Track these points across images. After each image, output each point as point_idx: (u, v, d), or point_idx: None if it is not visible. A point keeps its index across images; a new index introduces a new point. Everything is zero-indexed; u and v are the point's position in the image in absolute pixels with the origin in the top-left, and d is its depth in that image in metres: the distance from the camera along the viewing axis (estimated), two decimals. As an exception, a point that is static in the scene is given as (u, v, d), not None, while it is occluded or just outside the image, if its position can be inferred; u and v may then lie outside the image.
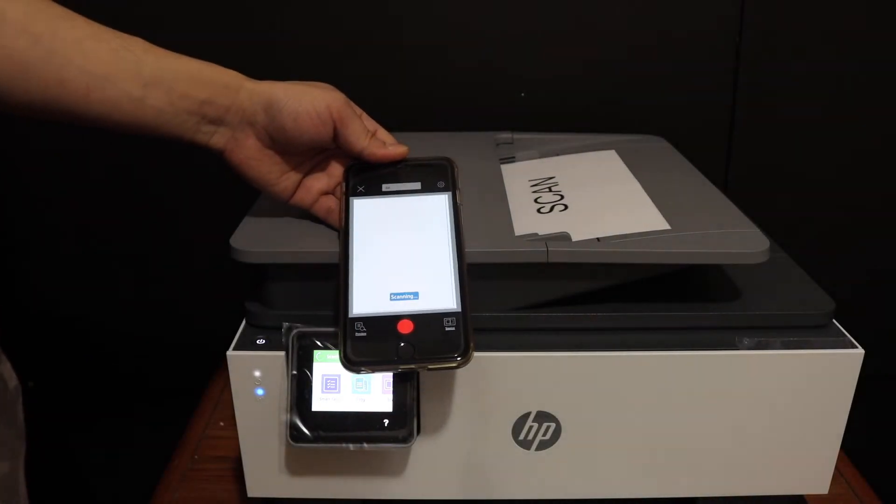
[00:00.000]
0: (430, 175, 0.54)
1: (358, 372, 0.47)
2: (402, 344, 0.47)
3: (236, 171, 0.52)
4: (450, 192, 0.53)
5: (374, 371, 0.48)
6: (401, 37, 0.85)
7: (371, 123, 0.55)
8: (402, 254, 0.50)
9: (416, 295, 0.49)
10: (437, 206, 0.52)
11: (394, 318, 0.48)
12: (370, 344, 0.47)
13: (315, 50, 0.85)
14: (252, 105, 0.49)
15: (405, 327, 0.47)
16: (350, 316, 0.48)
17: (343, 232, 0.51)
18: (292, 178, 0.53)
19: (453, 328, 0.47)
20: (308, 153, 0.53)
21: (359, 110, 0.54)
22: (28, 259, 0.97)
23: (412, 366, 0.47)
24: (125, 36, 0.47)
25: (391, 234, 0.51)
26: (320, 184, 0.54)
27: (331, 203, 0.54)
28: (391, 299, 0.48)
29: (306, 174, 0.54)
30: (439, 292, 0.48)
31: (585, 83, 0.87)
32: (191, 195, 0.92)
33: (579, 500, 0.58)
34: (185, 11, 0.83)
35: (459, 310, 0.48)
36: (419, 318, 0.48)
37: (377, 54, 0.86)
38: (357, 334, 0.47)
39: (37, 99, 0.44)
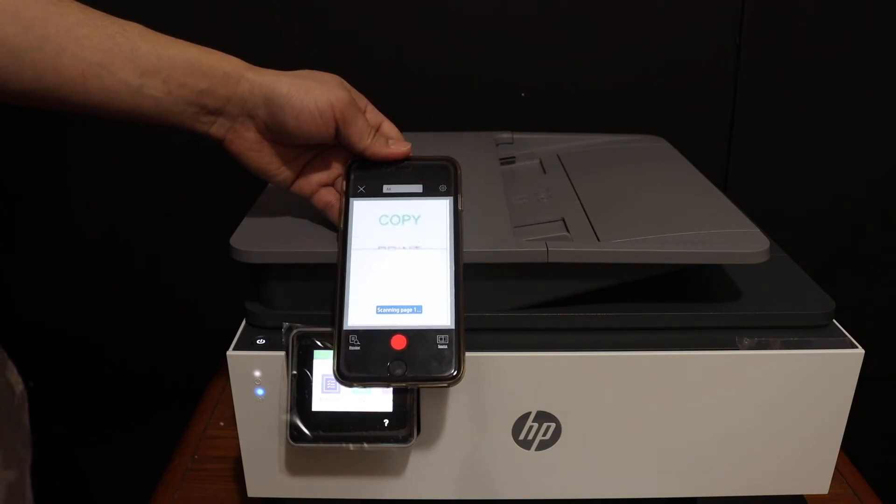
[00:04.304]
0: (433, 177, 0.54)
1: (350, 386, 0.47)
2: (395, 360, 0.47)
3: (236, 160, 0.52)
4: (451, 198, 0.53)
5: (366, 386, 0.49)
6: (400, 36, 0.85)
7: (376, 116, 0.54)
8: (399, 266, 0.50)
9: (410, 309, 0.49)
10: (437, 213, 0.52)
11: (387, 333, 0.48)
12: (363, 358, 0.47)
13: (314, 49, 0.86)
14: (253, 97, 0.48)
15: (398, 343, 0.48)
16: (344, 328, 0.48)
17: (341, 235, 0.51)
18: (292, 168, 0.53)
19: (446, 346, 0.47)
20: (309, 145, 0.53)
21: (363, 102, 0.54)
22: (27, 260, 0.97)
23: (403, 384, 0.47)
24: (121, 21, 0.46)
25: (389, 243, 0.51)
26: (321, 175, 0.54)
27: (330, 197, 0.54)
28: (386, 313, 0.49)
29: (307, 164, 0.53)
30: (434, 308, 0.49)
31: (585, 83, 0.87)
32: (190, 196, 0.92)
33: (579, 500, 0.58)
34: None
35: (453, 327, 0.48)
36: (412, 334, 0.48)
37: (377, 53, 0.86)
38: (351, 347, 0.48)
39: (32, 87, 0.44)
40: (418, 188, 0.53)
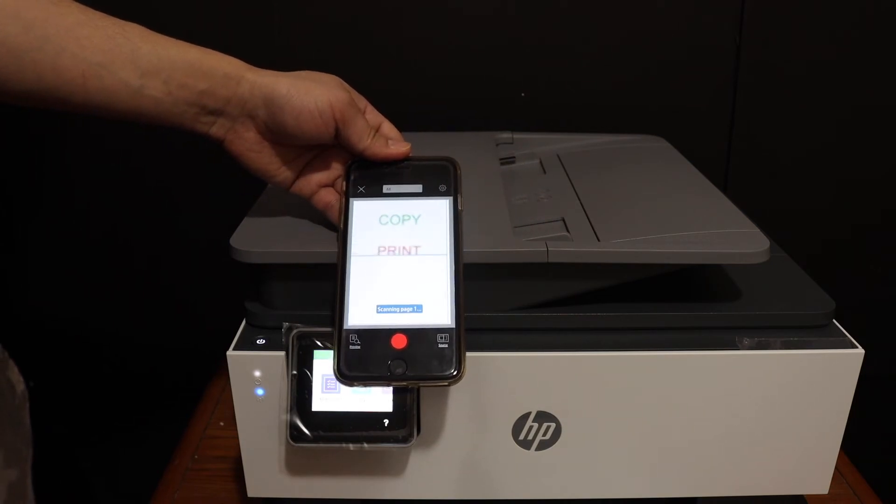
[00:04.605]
0: (433, 177, 0.54)
1: (351, 385, 0.48)
2: (395, 359, 0.47)
3: (236, 161, 0.52)
4: (451, 197, 0.53)
5: (366, 385, 0.49)
6: (400, 36, 0.85)
7: (375, 117, 0.54)
8: (400, 265, 0.50)
9: (411, 308, 0.49)
10: (437, 213, 0.52)
11: (388, 332, 0.48)
12: (363, 357, 0.47)
13: (314, 49, 0.86)
14: (253, 98, 0.48)
15: (399, 342, 0.48)
16: (345, 328, 0.48)
17: (342, 236, 0.51)
18: (292, 168, 0.53)
19: (446, 345, 0.47)
20: (309, 146, 0.53)
21: (363, 103, 0.54)
22: (27, 260, 0.97)
23: (404, 383, 0.48)
24: (121, 22, 0.46)
25: (389, 243, 0.51)
26: (321, 176, 0.54)
27: (330, 198, 0.54)
28: (386, 312, 0.49)
29: (307, 165, 0.53)
30: (434, 307, 0.49)
31: (585, 83, 0.87)
32: (190, 196, 0.92)
33: (579, 500, 0.58)
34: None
35: (453, 326, 0.48)
36: (413, 333, 0.48)
37: (377, 53, 0.86)
38: (351, 347, 0.48)
39: (32, 87, 0.44)
40: (418, 188, 0.53)
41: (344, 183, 0.53)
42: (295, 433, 0.51)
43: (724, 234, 0.54)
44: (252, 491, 0.57)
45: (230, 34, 0.83)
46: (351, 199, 0.53)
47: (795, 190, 0.93)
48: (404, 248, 0.51)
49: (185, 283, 0.98)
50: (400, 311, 0.49)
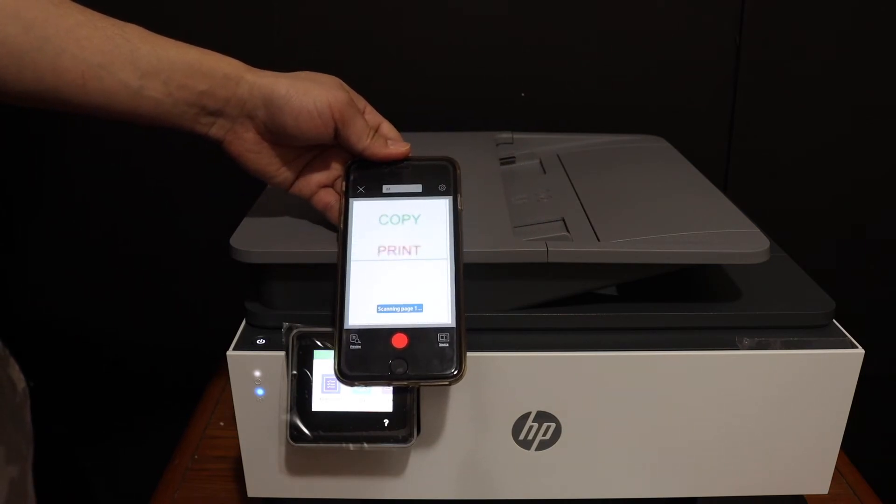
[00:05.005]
0: (432, 177, 0.54)
1: (352, 385, 0.48)
2: (396, 359, 0.47)
3: (235, 161, 0.52)
4: (451, 197, 0.53)
5: (367, 385, 0.49)
6: (400, 36, 0.85)
7: (374, 117, 0.54)
8: (400, 265, 0.50)
9: (411, 308, 0.49)
10: (437, 212, 0.52)
11: (388, 332, 0.48)
12: (364, 357, 0.47)
13: (314, 49, 0.86)
14: (252, 99, 0.49)
15: (399, 342, 0.48)
16: (345, 327, 0.48)
17: (341, 236, 0.51)
18: (292, 169, 0.53)
19: (447, 344, 0.47)
20: (308, 146, 0.53)
21: (362, 103, 0.54)
22: (27, 260, 0.97)
23: (405, 382, 0.48)
24: (120, 23, 0.46)
25: (389, 242, 0.51)
26: (320, 176, 0.54)
27: (330, 198, 0.54)
28: (387, 312, 0.49)
29: (306, 165, 0.53)
30: (435, 306, 0.49)
31: (585, 83, 0.87)
32: (190, 196, 0.92)
33: (579, 500, 0.58)
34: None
35: (454, 325, 0.48)
36: (413, 333, 0.48)
37: (377, 53, 0.86)
38: (352, 346, 0.48)
39: (32, 88, 0.44)
40: (418, 188, 0.53)
41: (343, 183, 0.53)
42: (295, 433, 0.51)
43: (724, 234, 0.54)
44: (252, 491, 0.57)
45: (230, 34, 0.83)
46: (351, 200, 0.53)
47: (795, 190, 0.93)
48: (404, 247, 0.51)
49: (185, 283, 0.98)
50: (400, 311, 0.49)
